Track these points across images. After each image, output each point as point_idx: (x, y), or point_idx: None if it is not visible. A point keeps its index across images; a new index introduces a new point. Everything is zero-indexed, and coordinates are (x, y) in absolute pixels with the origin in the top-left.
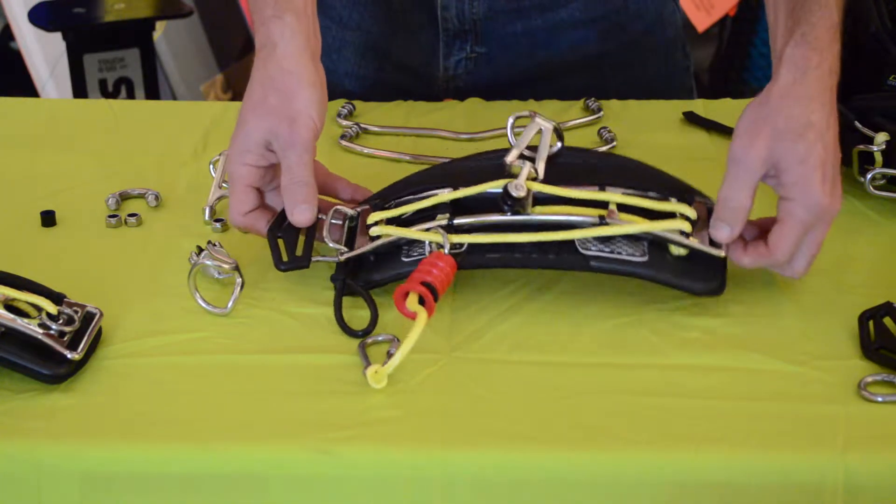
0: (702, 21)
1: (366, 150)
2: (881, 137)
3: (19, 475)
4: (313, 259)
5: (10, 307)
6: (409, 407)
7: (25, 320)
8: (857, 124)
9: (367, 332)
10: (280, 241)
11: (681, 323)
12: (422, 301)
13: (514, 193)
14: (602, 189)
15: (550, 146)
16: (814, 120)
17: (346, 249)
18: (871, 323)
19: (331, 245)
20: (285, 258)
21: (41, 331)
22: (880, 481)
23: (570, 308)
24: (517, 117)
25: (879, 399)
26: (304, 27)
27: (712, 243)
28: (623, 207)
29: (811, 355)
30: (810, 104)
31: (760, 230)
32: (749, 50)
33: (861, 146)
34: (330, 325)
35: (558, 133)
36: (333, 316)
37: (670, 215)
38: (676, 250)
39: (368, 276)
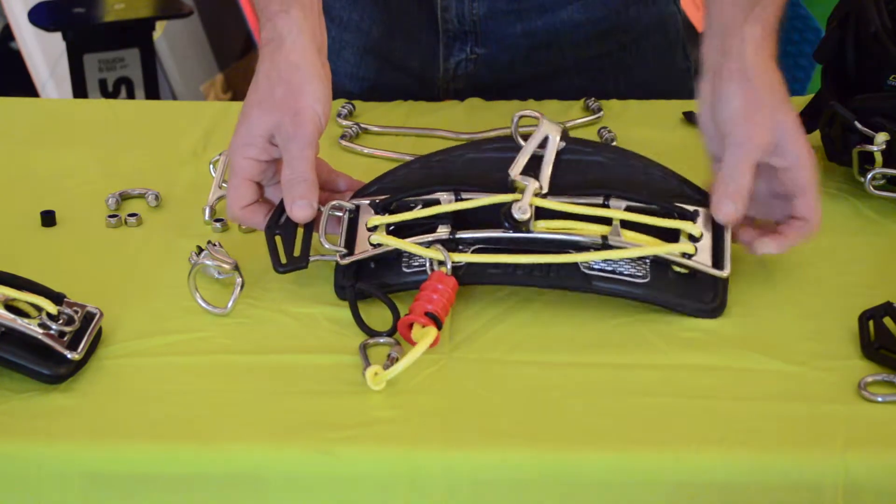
0: (702, 21)
1: (366, 150)
2: (881, 137)
3: (19, 475)
4: (312, 258)
5: (10, 307)
6: (409, 407)
7: (25, 320)
8: (857, 124)
9: (391, 333)
10: (278, 239)
11: (681, 323)
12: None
13: (518, 217)
14: (606, 201)
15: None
16: (782, 90)
17: (345, 251)
18: (871, 323)
19: (327, 247)
20: (283, 259)
21: (41, 331)
22: (880, 481)
23: (570, 308)
24: (521, 116)
25: (879, 399)
26: (311, 22)
27: (716, 262)
28: (627, 222)
29: (811, 355)
30: (775, 76)
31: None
32: None
33: (861, 146)
34: (330, 325)
35: (564, 135)
36: (334, 316)
37: (674, 232)
38: (678, 268)
39: (369, 281)
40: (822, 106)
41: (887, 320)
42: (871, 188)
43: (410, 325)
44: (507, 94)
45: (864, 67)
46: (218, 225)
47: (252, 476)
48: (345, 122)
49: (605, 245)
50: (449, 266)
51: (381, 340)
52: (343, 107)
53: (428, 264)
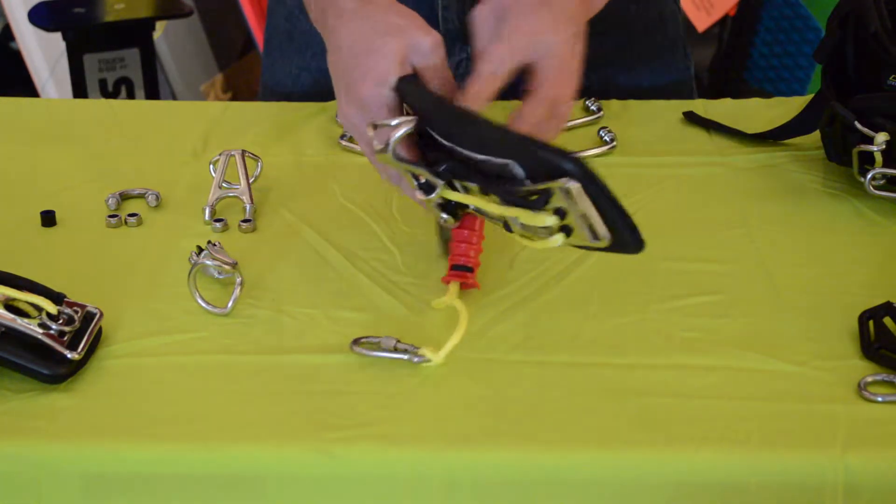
0: (702, 21)
1: None
2: (881, 137)
3: (19, 475)
4: None
5: (10, 307)
6: (409, 407)
7: (25, 320)
8: (857, 124)
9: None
10: None
11: (681, 323)
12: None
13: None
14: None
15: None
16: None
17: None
18: (871, 323)
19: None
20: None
21: (41, 331)
22: (880, 481)
23: (570, 308)
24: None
25: (879, 399)
26: None
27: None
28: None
29: (811, 355)
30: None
31: None
32: (749, 50)
33: (861, 146)
34: (330, 325)
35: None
36: (334, 316)
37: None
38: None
39: None
40: (822, 106)
41: (887, 320)
42: (871, 188)
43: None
44: (507, 94)
45: (864, 67)
46: (218, 225)
47: (251, 476)
48: None
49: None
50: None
51: (374, 340)
52: None
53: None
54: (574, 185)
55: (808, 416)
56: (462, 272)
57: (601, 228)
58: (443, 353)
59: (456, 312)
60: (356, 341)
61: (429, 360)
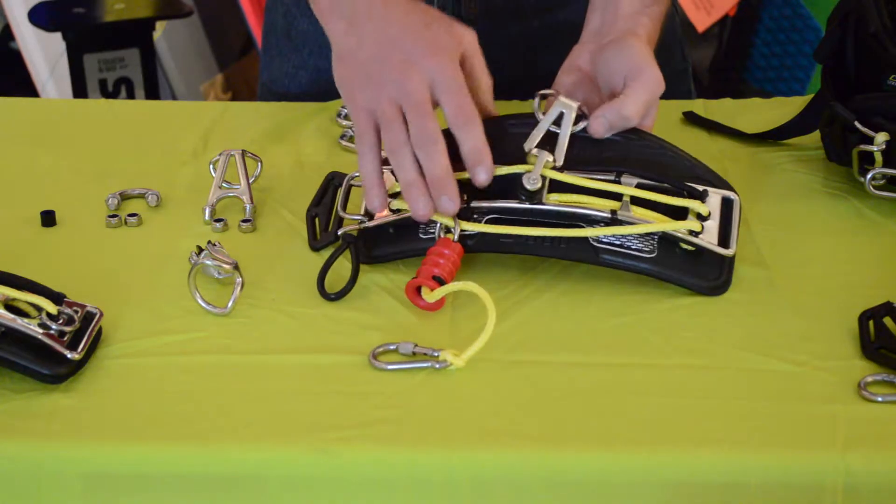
0: (702, 21)
1: None
2: (881, 137)
3: (19, 475)
4: (340, 231)
5: (10, 307)
6: (409, 407)
7: (25, 320)
8: (857, 124)
9: (340, 296)
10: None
11: (681, 323)
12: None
13: (529, 186)
14: (618, 178)
15: (573, 125)
16: None
17: (366, 219)
18: (871, 323)
19: (345, 216)
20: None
21: (41, 331)
22: (880, 481)
23: (570, 308)
24: (542, 96)
25: (879, 399)
26: None
27: (722, 241)
28: (637, 199)
29: (811, 355)
30: None
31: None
32: (749, 50)
33: (861, 146)
34: (330, 325)
35: (582, 113)
36: (334, 316)
37: (683, 211)
38: (685, 245)
39: (386, 248)
40: (822, 106)
41: (887, 320)
42: (871, 188)
43: (417, 289)
44: (505, 94)
45: (864, 67)
46: (218, 225)
47: (252, 476)
48: (345, 122)
49: (613, 220)
50: (456, 233)
51: (392, 347)
52: (343, 107)
53: (437, 229)
54: (736, 198)
55: (808, 416)
56: (436, 282)
57: (734, 239)
58: (465, 356)
59: (455, 315)
60: (375, 355)
61: (450, 364)
